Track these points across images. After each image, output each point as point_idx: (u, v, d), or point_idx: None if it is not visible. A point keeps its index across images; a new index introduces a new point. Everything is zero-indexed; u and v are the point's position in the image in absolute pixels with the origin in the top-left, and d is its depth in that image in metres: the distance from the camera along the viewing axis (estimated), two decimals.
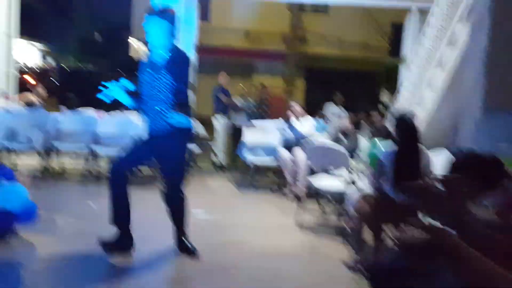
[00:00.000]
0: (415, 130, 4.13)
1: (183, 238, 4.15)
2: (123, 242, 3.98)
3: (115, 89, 3.80)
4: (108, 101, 3.81)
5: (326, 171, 6.24)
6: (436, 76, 5.94)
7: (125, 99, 3.87)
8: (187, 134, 3.98)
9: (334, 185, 5.45)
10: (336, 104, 9.90)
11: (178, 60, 3.86)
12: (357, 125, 7.26)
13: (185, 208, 4.14)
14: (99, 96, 3.80)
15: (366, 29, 17.86)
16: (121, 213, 3.97)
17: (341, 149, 5.39)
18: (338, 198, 5.83)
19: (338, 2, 9.17)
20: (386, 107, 9.75)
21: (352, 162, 5.43)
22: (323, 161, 5.85)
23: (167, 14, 3.89)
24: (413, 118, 4.12)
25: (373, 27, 17.77)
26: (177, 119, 3.77)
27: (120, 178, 3.93)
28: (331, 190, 5.63)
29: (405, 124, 4.09)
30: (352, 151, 6.44)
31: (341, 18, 17.42)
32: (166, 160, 4.00)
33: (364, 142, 6.27)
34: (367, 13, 16.80)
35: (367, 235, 4.22)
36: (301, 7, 17.57)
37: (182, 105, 3.81)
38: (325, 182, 5.57)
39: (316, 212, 5.73)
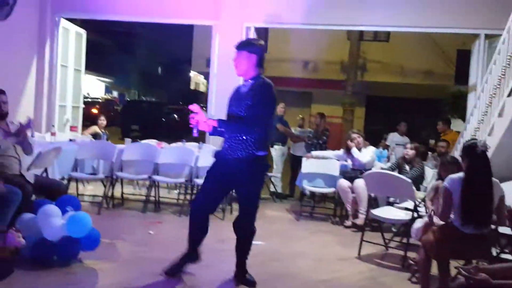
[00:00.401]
0: (486, 160, 3.92)
1: (244, 269, 4.12)
2: (189, 257, 4.15)
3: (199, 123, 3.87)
4: (196, 134, 3.90)
5: (389, 202, 6.07)
6: (508, 105, 5.68)
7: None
8: (263, 165, 4.02)
9: (397, 215, 5.28)
10: (399, 132, 9.67)
11: (261, 91, 3.89)
12: (422, 155, 7.05)
13: (252, 240, 4.14)
14: (193, 134, 3.89)
15: (429, 56, 17.50)
16: (200, 240, 4.14)
17: (405, 179, 5.21)
18: (402, 230, 5.65)
19: (402, 30, 9.04)
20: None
21: (417, 193, 5.24)
22: (385, 192, 5.69)
23: (255, 47, 3.98)
24: (483, 147, 3.92)
25: (436, 54, 17.39)
26: (255, 147, 3.85)
27: (201, 215, 4.07)
28: (394, 221, 5.46)
29: (475, 153, 3.89)
30: (417, 181, 6.25)
31: (403, 46, 17.18)
32: (242, 186, 4.01)
33: (429, 172, 6.06)
34: (430, 40, 16.49)
35: (434, 268, 4.02)
36: (361, 37, 17.49)
37: (260, 135, 3.87)
38: (388, 212, 5.40)
39: (379, 244, 5.53)
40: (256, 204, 4.10)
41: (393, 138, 9.64)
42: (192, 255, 4.18)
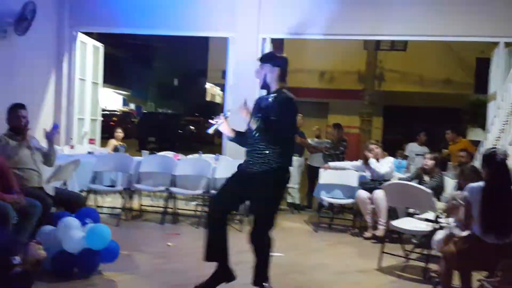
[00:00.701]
0: (506, 168, 3.86)
1: (263, 278, 4.06)
2: (221, 276, 4.05)
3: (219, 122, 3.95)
4: (211, 131, 3.98)
5: (409, 213, 6.00)
6: None
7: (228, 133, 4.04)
8: (283, 176, 3.98)
9: (418, 227, 5.21)
10: (418, 142, 9.58)
11: (285, 104, 3.91)
12: (442, 165, 6.96)
13: (270, 251, 4.06)
14: (208, 130, 3.99)
15: (448, 65, 17.32)
16: (218, 249, 4.04)
17: (425, 189, 5.14)
18: (423, 241, 5.58)
19: (419, 39, 8.99)
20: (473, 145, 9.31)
21: (438, 203, 5.17)
22: (405, 202, 5.63)
23: (278, 60, 4.00)
24: (503, 156, 3.86)
25: (455, 62, 17.25)
26: (276, 161, 3.84)
27: (218, 218, 4.03)
28: (415, 232, 5.39)
29: (495, 162, 3.84)
30: (437, 192, 6.17)
31: (421, 54, 17.02)
32: (258, 200, 3.98)
33: (449, 182, 5.98)
34: (448, 48, 16.38)
35: (456, 280, 3.95)
36: (378, 46, 17.43)
37: (283, 148, 3.87)
38: (409, 224, 5.33)
39: (399, 256, 5.46)
40: (272, 217, 4.05)
41: (412, 148, 9.55)
42: (222, 273, 4.07)
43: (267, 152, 3.86)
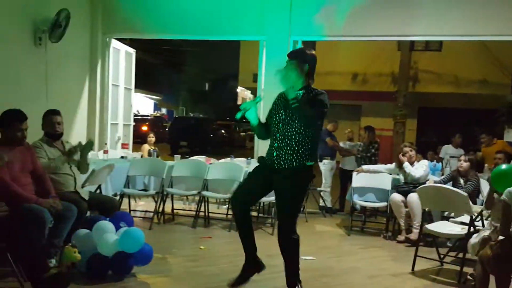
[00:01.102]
0: None
1: (295, 280, 4.04)
2: (251, 267, 4.16)
3: (251, 111, 3.99)
4: (239, 116, 3.98)
5: (444, 216, 5.89)
6: None
7: (254, 120, 4.05)
8: (308, 175, 3.98)
9: (453, 230, 5.11)
10: (454, 144, 9.40)
11: (319, 94, 3.92)
12: (478, 167, 6.79)
13: (298, 249, 4.05)
14: (237, 114, 3.98)
15: (484, 65, 16.88)
16: (245, 239, 4.12)
17: (461, 192, 5.03)
18: (458, 244, 5.46)
19: (455, 39, 8.80)
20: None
21: (474, 207, 5.05)
22: (440, 206, 5.53)
23: (308, 56, 3.98)
24: None
25: (491, 62, 16.82)
26: (307, 158, 3.87)
27: (241, 209, 4.10)
28: (450, 235, 5.29)
29: None
30: (473, 195, 6.05)
31: (456, 55, 16.66)
32: (287, 196, 3.96)
33: (486, 185, 5.83)
34: (484, 48, 16.00)
35: (492, 284, 3.85)
36: (412, 47, 17.17)
37: (312, 145, 3.91)
38: (444, 227, 5.23)
39: (433, 259, 5.35)
40: (297, 213, 4.09)
41: (447, 150, 9.36)
42: (252, 264, 4.15)
43: (298, 148, 3.87)
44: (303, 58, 3.96)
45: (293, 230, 3.99)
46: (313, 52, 4.09)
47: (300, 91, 3.90)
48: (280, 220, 4.04)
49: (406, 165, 6.67)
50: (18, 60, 6.73)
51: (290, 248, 4.01)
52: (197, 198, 7.19)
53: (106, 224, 4.42)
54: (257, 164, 4.22)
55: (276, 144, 3.93)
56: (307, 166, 3.91)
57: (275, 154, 3.93)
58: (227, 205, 7.87)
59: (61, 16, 7.02)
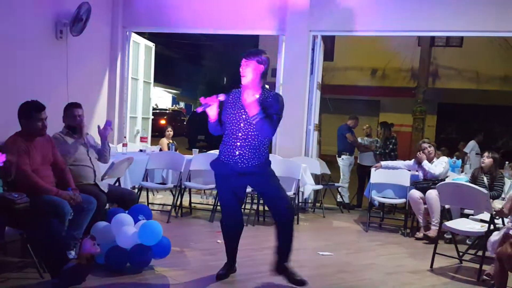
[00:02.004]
0: None
1: (285, 261, 4.17)
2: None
3: (213, 107, 4.05)
4: (200, 110, 4.08)
5: (463, 213, 5.82)
6: None
7: (213, 116, 4.10)
8: (263, 170, 4.10)
9: (473, 228, 5.05)
10: (475, 141, 9.28)
11: (279, 100, 4.02)
12: (500, 164, 6.69)
13: (291, 239, 4.19)
14: (197, 109, 4.13)
15: (506, 61, 16.61)
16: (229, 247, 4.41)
17: (482, 190, 4.96)
18: (477, 242, 5.40)
19: (476, 35, 8.65)
20: None
21: (495, 204, 4.99)
22: (460, 203, 5.46)
23: (263, 58, 4.01)
24: None
25: None
26: (263, 155, 4.04)
27: (234, 231, 4.35)
28: (470, 233, 5.23)
29: None
30: (494, 192, 5.98)
31: (477, 50, 16.41)
32: (266, 188, 4.16)
33: (508, 182, 5.75)
34: (506, 44, 15.76)
35: (511, 281, 3.80)
36: (432, 42, 16.97)
37: (267, 143, 4.10)
38: (463, 224, 5.17)
39: (452, 257, 5.30)
40: (281, 188, 4.18)
41: (468, 146, 9.27)
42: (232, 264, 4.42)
43: (260, 145, 4.02)
44: (259, 60, 3.99)
45: (288, 202, 4.20)
46: (267, 55, 4.11)
47: (256, 94, 3.93)
48: (278, 201, 4.12)
49: (425, 163, 6.60)
50: (40, 53, 6.80)
51: (288, 224, 4.15)
52: (214, 192, 7.20)
53: (125, 217, 4.46)
54: (215, 173, 4.23)
55: (238, 144, 4.01)
56: (267, 159, 4.11)
57: (237, 153, 4.00)
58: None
59: (82, 9, 7.07)
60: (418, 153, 6.74)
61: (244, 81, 3.99)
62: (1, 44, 6.05)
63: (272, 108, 3.93)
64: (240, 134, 3.99)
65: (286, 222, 4.14)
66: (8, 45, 6.17)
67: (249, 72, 3.97)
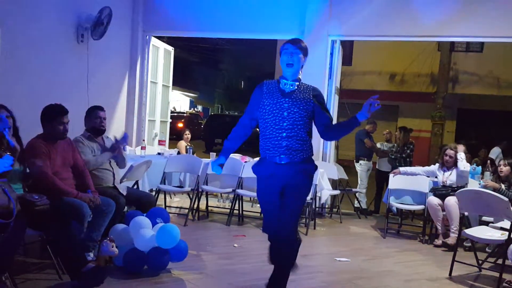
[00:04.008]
0: None
1: None
2: None
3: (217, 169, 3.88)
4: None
5: (482, 221, 5.75)
6: None
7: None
8: (315, 167, 3.75)
9: (493, 236, 4.98)
10: (497, 148, 9.17)
11: (305, 91, 3.71)
12: None
13: (295, 255, 3.72)
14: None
15: None
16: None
17: (502, 197, 4.89)
18: (497, 250, 5.33)
19: (497, 40, 8.53)
20: None
21: None
22: (480, 210, 5.39)
23: (306, 50, 3.80)
24: None
25: None
26: (310, 149, 3.69)
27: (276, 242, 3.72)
28: (489, 241, 5.16)
29: None
30: None
31: (498, 56, 16.21)
32: (294, 194, 3.63)
33: None
34: None
35: None
36: (452, 47, 16.81)
37: (311, 136, 3.68)
38: (483, 232, 5.10)
39: (471, 265, 5.23)
40: (300, 211, 3.77)
41: (498, 154, 9.15)
42: None
43: (308, 138, 3.67)
44: (305, 51, 3.76)
45: (295, 231, 3.69)
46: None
47: (294, 83, 3.70)
48: (285, 219, 3.58)
49: (460, 155, 6.56)
50: (61, 57, 6.90)
51: (291, 254, 3.68)
52: (231, 196, 7.21)
53: (143, 220, 4.49)
54: (258, 177, 3.77)
55: (284, 134, 3.60)
56: (306, 160, 3.67)
57: (284, 144, 3.60)
58: None
59: (104, 13, 7.15)
60: (440, 157, 6.71)
61: (291, 70, 3.67)
62: (26, 47, 6.16)
63: (321, 101, 3.73)
64: (285, 124, 3.60)
65: (284, 251, 3.63)
66: (32, 48, 6.28)
67: (297, 61, 3.68)
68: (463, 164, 6.53)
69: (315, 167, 3.75)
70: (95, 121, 5.05)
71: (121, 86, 8.72)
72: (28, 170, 3.97)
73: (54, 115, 4.35)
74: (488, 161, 7.81)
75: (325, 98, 3.78)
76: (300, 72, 3.76)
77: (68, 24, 7.04)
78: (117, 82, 8.61)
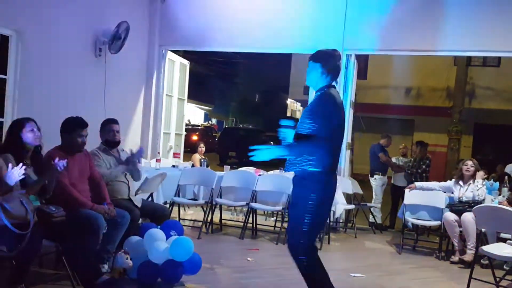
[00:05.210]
0: None
1: None
2: None
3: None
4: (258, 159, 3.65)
5: (499, 238, 5.67)
6: None
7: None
8: (319, 185, 3.57)
9: (511, 252, 4.90)
10: None
11: (319, 103, 3.62)
12: None
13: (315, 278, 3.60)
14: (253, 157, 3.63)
15: None
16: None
17: None
18: None
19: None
20: None
21: None
22: (497, 227, 5.31)
23: (314, 55, 3.78)
24: None
25: None
26: (309, 165, 3.56)
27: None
28: (507, 258, 5.07)
29: None
30: None
31: None
32: (291, 210, 3.73)
33: None
34: None
35: None
36: (469, 61, 16.71)
37: (321, 152, 3.53)
38: (500, 249, 5.02)
39: (489, 282, 5.14)
40: (302, 231, 3.54)
41: (507, 168, 9.04)
42: None
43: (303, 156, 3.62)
44: (314, 58, 3.77)
45: (298, 252, 3.61)
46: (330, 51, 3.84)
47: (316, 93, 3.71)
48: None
49: (461, 181, 6.50)
50: (80, 71, 6.98)
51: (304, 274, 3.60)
52: (245, 209, 7.20)
53: (157, 232, 4.50)
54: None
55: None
56: (313, 173, 3.61)
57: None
58: (275, 218, 7.87)
59: (121, 28, 7.24)
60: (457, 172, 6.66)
61: (307, 82, 3.84)
62: (44, 61, 6.26)
63: (304, 116, 3.75)
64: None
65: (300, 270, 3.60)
66: (50, 62, 6.37)
67: (308, 71, 3.78)
68: (479, 193, 6.43)
69: (311, 183, 3.60)
70: (109, 134, 5.10)
71: (137, 99, 8.79)
72: (46, 181, 4.00)
73: (74, 128, 4.41)
74: (506, 177, 7.72)
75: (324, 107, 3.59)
76: (325, 78, 3.69)
77: (86, 39, 7.13)
78: (133, 95, 8.68)
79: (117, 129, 5.13)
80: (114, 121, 5.17)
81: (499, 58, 16.80)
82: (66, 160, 3.92)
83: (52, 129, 4.48)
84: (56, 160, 3.83)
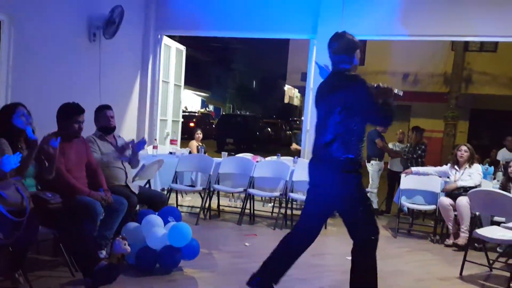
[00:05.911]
0: None
1: None
2: None
3: None
4: None
5: (493, 221, 5.72)
6: None
7: None
8: (353, 177, 3.64)
9: (504, 235, 4.96)
10: (508, 148, 9.08)
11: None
12: None
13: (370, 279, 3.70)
14: None
15: None
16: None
17: None
18: (509, 250, 5.31)
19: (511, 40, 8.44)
20: None
21: None
22: (491, 210, 5.37)
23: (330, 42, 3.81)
24: None
25: None
26: (341, 160, 3.53)
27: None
28: (501, 241, 5.14)
29: None
30: None
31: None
32: (341, 212, 3.69)
33: None
34: None
35: None
36: (466, 47, 16.67)
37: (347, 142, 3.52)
38: (494, 232, 5.08)
39: (482, 264, 5.21)
40: (364, 226, 3.70)
41: (504, 154, 9.07)
42: None
43: (333, 151, 3.74)
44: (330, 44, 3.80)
45: (366, 251, 3.82)
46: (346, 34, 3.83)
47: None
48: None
49: (456, 166, 6.53)
50: (73, 56, 6.93)
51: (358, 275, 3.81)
52: (242, 195, 7.24)
53: (155, 218, 4.53)
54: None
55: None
56: (347, 167, 3.77)
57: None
58: (272, 203, 7.91)
59: (115, 12, 7.18)
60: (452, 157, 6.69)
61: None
62: (38, 46, 6.21)
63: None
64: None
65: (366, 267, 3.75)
66: (44, 47, 6.32)
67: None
68: (475, 180, 6.46)
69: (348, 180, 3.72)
70: (103, 120, 5.10)
71: (133, 85, 8.75)
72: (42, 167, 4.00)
73: (70, 114, 4.40)
74: (501, 162, 7.76)
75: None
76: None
77: (80, 23, 7.07)
78: (129, 81, 8.64)
79: (111, 115, 5.13)
80: (107, 107, 5.16)
81: (496, 43, 16.79)
82: (59, 137, 3.92)
83: (46, 115, 4.47)
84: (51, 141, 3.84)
